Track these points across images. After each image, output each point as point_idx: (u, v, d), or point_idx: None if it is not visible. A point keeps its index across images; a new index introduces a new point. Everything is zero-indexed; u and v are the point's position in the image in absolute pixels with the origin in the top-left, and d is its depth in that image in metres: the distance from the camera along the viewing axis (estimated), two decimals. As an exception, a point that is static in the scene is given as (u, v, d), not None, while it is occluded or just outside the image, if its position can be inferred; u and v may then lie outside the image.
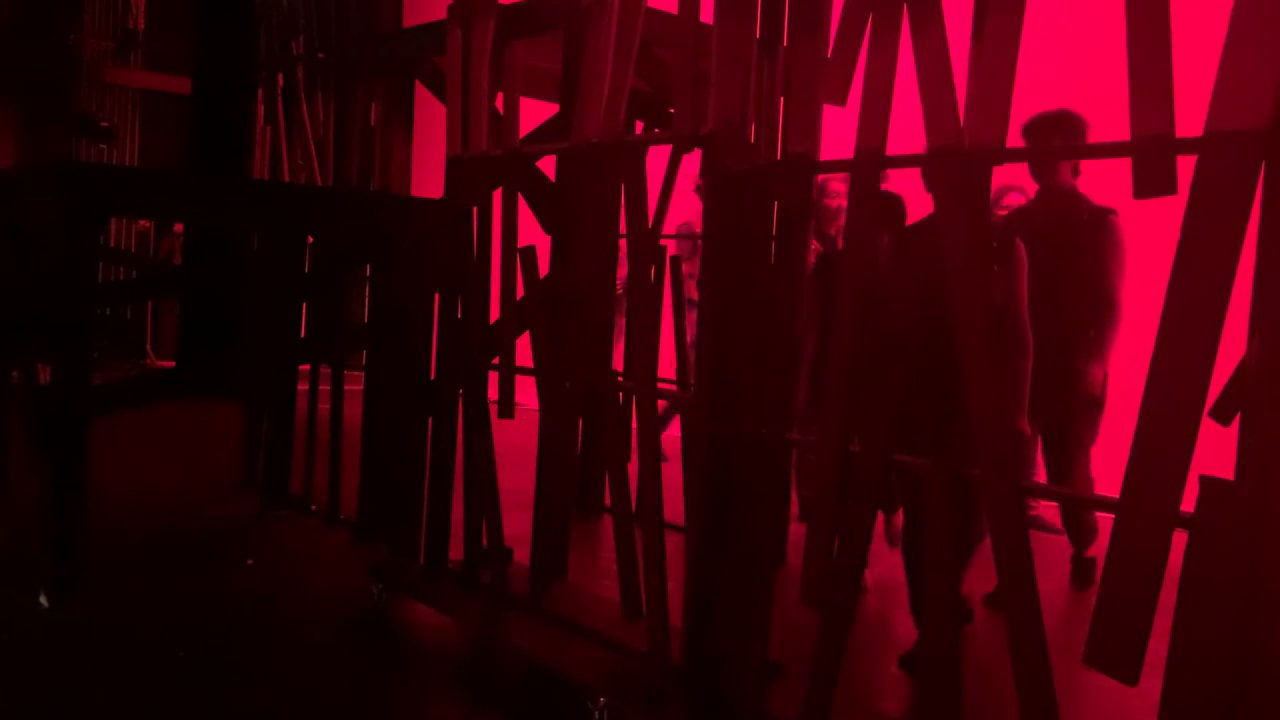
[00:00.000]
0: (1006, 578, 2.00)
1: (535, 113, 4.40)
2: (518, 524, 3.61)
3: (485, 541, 3.43)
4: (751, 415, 2.51)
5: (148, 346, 10.88)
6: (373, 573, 3.59)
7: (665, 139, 2.90)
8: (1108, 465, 3.25)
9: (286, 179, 5.84)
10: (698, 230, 5.50)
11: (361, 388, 4.22)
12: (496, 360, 3.43)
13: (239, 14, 7.44)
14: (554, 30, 3.74)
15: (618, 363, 4.62)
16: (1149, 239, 2.85)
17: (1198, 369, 1.74)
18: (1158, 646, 1.79)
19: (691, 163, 2.88)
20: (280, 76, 5.95)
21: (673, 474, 3.16)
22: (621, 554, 3.03)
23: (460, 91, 3.51)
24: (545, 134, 3.86)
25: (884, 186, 2.45)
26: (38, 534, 3.52)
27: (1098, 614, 1.84)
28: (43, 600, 3.38)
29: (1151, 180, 1.82)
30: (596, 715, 2.60)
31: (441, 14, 3.76)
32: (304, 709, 2.74)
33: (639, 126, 4.68)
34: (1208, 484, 1.74)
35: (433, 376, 3.72)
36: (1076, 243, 3.51)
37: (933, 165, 2.12)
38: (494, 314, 3.51)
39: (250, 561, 3.90)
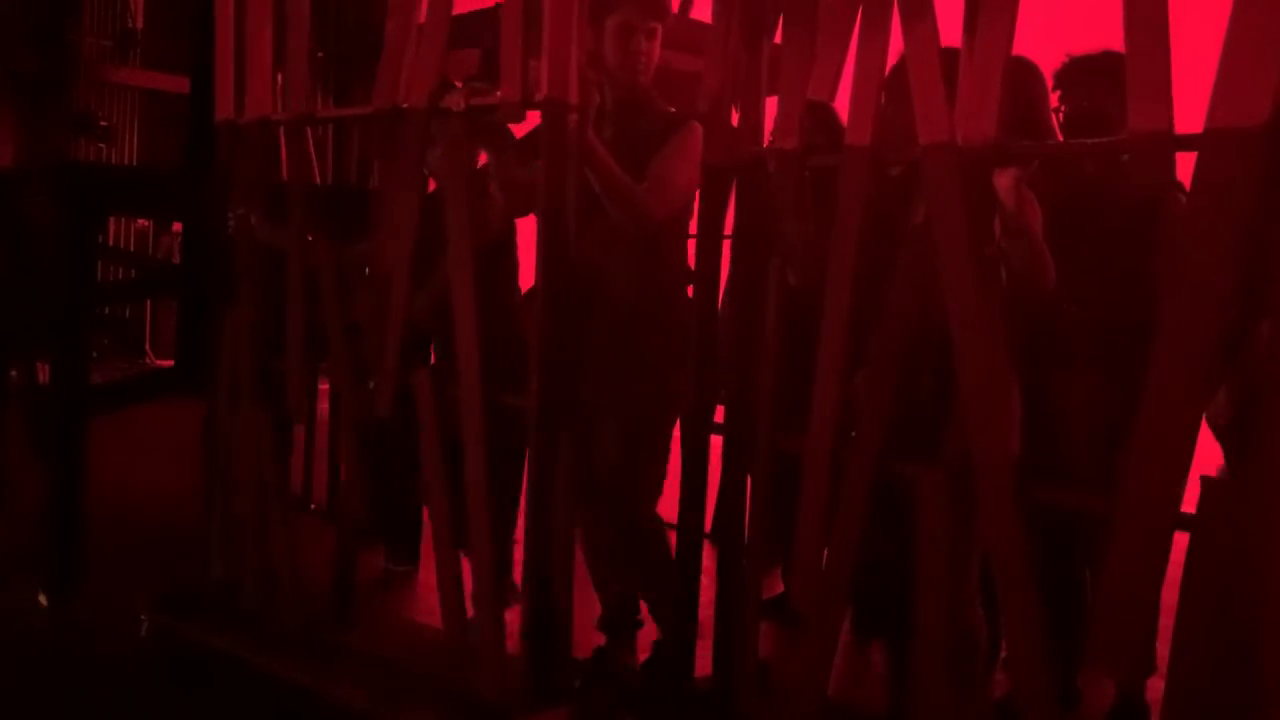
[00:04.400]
0: (1004, 586, 1.94)
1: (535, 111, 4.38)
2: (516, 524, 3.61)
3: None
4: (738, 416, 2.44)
5: (147, 346, 10.88)
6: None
7: (491, 104, 2.59)
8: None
9: (285, 178, 5.84)
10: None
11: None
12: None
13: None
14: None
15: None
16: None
17: (1198, 367, 1.71)
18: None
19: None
20: (279, 75, 5.95)
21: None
22: (444, 581, 2.69)
23: (232, 46, 3.16)
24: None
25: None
26: (37, 533, 3.52)
27: (1098, 616, 1.81)
28: (42, 600, 3.39)
29: (1150, 177, 1.80)
30: None
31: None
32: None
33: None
34: (1209, 484, 1.72)
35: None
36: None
37: (925, 163, 2.06)
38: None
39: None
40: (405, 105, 2.73)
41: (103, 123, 11.73)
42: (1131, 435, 1.78)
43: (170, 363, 9.95)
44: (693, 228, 2.73)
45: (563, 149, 2.51)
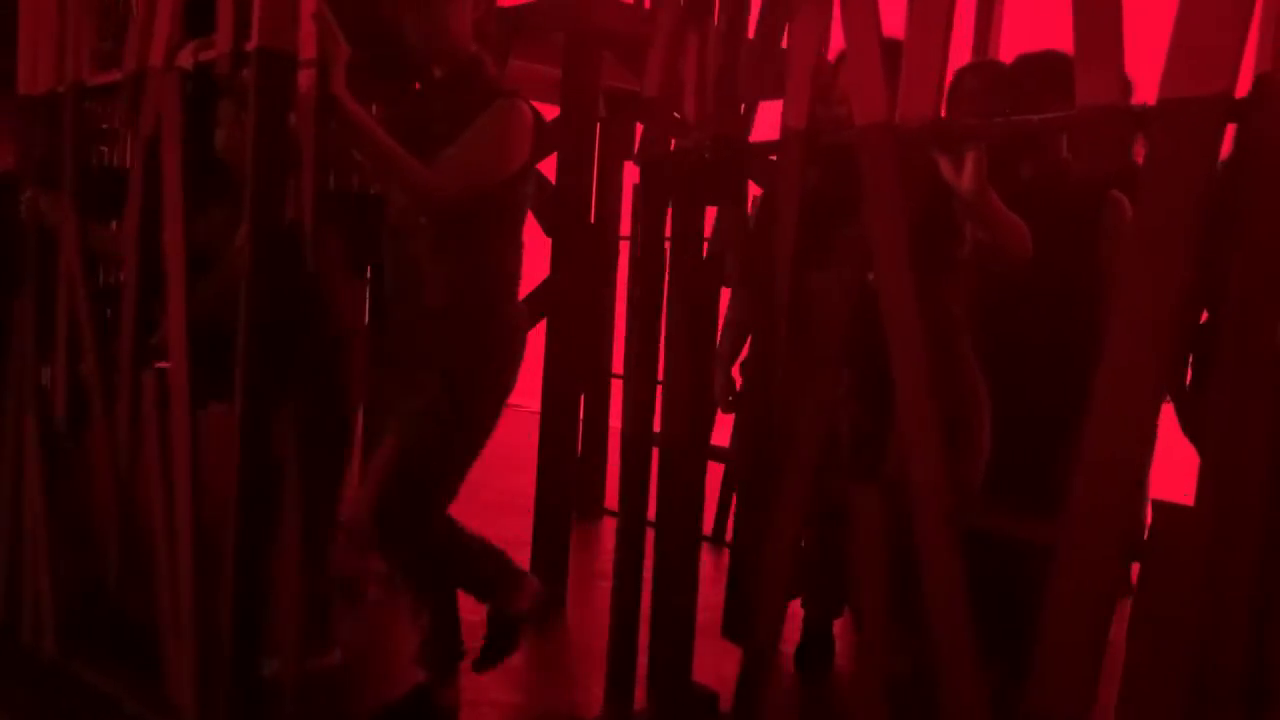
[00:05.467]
0: (937, 608, 1.77)
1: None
2: (514, 527, 3.61)
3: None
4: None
5: (147, 347, 10.84)
6: None
7: (210, 58, 2.31)
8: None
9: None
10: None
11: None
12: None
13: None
14: (554, 33, 3.73)
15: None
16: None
17: (1153, 369, 1.52)
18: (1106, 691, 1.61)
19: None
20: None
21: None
22: (163, 609, 2.43)
23: (35, 19, 2.88)
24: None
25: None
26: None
27: (1041, 653, 1.63)
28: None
29: (1101, 155, 1.68)
30: None
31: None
32: None
33: (639, 129, 4.67)
34: (1163, 510, 1.55)
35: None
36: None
37: (862, 144, 1.90)
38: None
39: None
40: (151, 67, 2.45)
41: (103, 124, 11.70)
42: (1079, 450, 1.60)
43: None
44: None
45: (277, 111, 2.16)
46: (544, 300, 3.80)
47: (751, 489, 2.18)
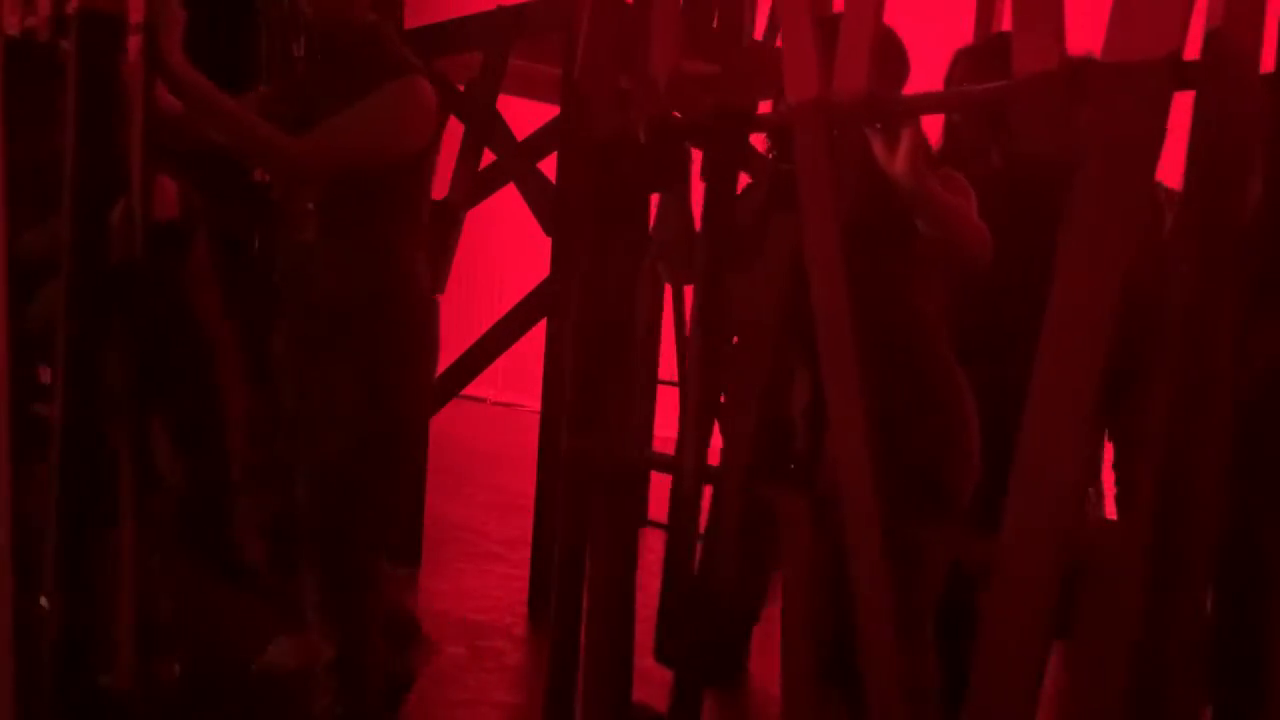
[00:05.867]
0: (867, 623, 1.64)
1: (536, 114, 4.40)
2: (515, 527, 3.61)
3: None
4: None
5: (148, 347, 10.87)
6: None
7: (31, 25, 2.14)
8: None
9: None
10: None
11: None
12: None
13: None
14: (554, 32, 3.74)
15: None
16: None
17: (1093, 368, 1.38)
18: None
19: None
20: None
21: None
22: None
23: None
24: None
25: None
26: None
27: (976, 672, 1.51)
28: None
29: (1039, 128, 1.56)
30: None
31: (444, 16, 3.75)
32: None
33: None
34: (1098, 526, 1.51)
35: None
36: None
37: (794, 123, 1.77)
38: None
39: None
40: None
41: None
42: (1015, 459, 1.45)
43: (171, 364, 9.95)
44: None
45: (103, 82, 1.96)
46: (544, 300, 3.80)
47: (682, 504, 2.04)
